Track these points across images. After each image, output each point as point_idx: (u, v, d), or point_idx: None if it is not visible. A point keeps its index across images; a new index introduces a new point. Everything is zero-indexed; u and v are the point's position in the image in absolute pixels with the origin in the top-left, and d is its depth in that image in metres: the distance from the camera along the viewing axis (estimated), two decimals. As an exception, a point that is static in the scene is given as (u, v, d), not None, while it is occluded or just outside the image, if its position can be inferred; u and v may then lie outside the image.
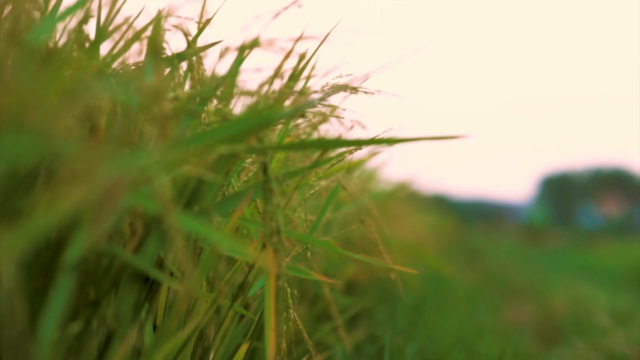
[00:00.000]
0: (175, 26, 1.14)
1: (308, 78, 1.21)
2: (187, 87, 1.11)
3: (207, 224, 0.93)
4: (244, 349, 1.17)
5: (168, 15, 1.11)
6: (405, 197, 5.33)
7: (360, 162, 1.63)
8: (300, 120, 1.19)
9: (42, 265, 0.86)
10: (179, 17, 1.14)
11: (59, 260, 0.84)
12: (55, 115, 0.73)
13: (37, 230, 0.70)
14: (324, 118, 1.12)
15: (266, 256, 0.96)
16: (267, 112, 0.91)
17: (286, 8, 1.14)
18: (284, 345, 1.05)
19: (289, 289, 1.13)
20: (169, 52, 1.10)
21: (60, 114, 0.74)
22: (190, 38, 1.13)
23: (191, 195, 0.96)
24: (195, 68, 1.09)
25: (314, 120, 1.14)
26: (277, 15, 1.15)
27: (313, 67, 1.23)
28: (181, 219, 0.81)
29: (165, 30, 1.10)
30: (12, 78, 0.75)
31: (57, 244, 0.86)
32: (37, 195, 0.81)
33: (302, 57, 1.19)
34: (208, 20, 1.13)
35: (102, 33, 1.02)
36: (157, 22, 1.02)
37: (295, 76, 1.17)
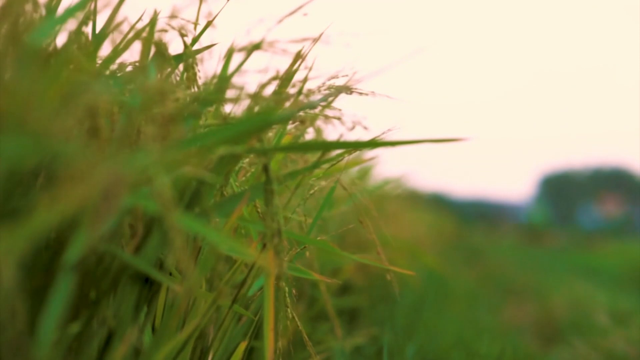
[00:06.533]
0: (175, 28, 1.14)
1: (305, 80, 1.21)
2: (184, 88, 1.11)
3: (207, 224, 0.93)
4: (241, 347, 1.18)
5: (171, 17, 1.11)
6: (404, 195, 5.32)
7: (358, 161, 1.63)
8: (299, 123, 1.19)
9: (42, 265, 0.86)
10: (181, 19, 1.14)
11: (59, 260, 0.84)
12: (56, 116, 0.74)
13: (37, 230, 0.70)
14: (325, 119, 1.13)
15: (266, 256, 0.96)
16: (266, 114, 0.91)
17: (291, 14, 1.14)
18: (280, 344, 1.05)
19: (286, 288, 1.13)
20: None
21: (61, 114, 0.74)
22: (190, 40, 1.13)
23: (192, 196, 0.96)
24: (190, 69, 1.09)
25: (314, 122, 1.14)
26: (281, 20, 1.15)
27: (310, 69, 1.23)
28: (182, 220, 0.81)
29: (165, 31, 1.10)
30: (12, 79, 0.75)
31: (57, 244, 0.86)
32: (37, 196, 0.81)
33: (297, 56, 1.18)
34: (209, 22, 1.13)
35: (102, 34, 1.02)
36: (153, 23, 1.02)
37: (291, 77, 1.17)
